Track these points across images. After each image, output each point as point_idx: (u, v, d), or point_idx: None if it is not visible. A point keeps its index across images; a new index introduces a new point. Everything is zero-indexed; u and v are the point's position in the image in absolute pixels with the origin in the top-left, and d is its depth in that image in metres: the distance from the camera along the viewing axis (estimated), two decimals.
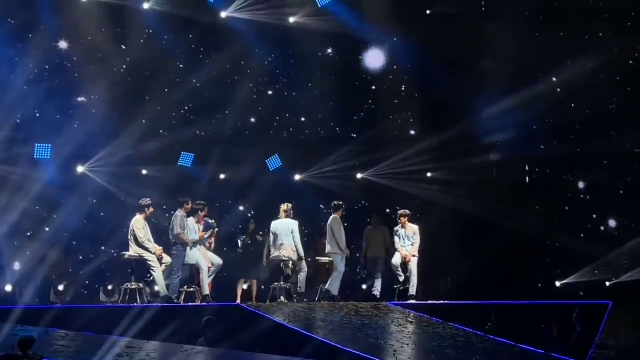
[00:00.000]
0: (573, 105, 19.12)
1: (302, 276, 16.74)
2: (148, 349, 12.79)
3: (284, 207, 16.95)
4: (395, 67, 21.01)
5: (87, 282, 19.51)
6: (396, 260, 17.35)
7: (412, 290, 17.15)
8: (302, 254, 16.75)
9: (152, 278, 16.12)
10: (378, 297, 17.19)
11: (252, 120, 21.23)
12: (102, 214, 19.85)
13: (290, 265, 16.73)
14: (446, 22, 19.69)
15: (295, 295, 16.75)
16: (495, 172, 20.39)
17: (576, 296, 17.72)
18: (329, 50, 21.11)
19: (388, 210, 20.25)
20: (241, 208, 20.59)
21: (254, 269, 17.80)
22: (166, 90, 20.20)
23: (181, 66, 20.25)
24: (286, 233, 16.66)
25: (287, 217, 16.84)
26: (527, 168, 20.24)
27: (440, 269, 19.53)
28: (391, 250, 17.50)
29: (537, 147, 19.66)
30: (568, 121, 19.20)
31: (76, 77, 19.63)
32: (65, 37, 19.38)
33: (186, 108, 20.59)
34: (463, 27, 19.40)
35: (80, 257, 19.71)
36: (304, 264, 16.81)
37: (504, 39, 18.85)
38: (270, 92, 21.18)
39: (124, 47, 19.79)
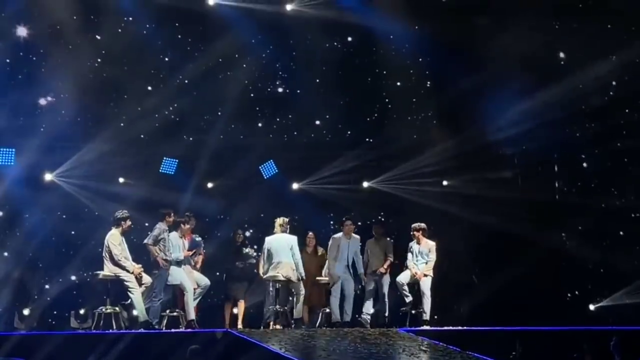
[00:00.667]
0: (613, 107, 19.15)
1: (300, 299, 16.75)
2: None
3: (280, 221, 16.97)
4: (408, 62, 20.96)
5: (56, 306, 19.48)
6: (403, 278, 17.37)
7: (426, 315, 17.17)
8: (303, 274, 16.77)
9: (129, 301, 16.05)
10: (386, 322, 17.22)
11: (244, 121, 21.20)
12: (73, 228, 19.83)
13: (287, 286, 16.74)
14: (465, 14, 19.73)
15: (292, 321, 16.74)
16: (521, 182, 20.39)
17: (613, 321, 17.68)
18: (333, 43, 21.08)
19: (391, 221, 20.25)
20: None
21: (242, 288, 17.71)
22: (147, 87, 20.20)
23: (165, 59, 20.25)
24: (284, 250, 16.67)
25: (283, 231, 16.86)
26: (556, 184, 20.23)
27: (457, 290, 19.48)
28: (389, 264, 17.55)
29: (569, 155, 19.68)
30: (606, 127, 19.22)
31: (42, 71, 19.59)
32: (26, 23, 19.28)
33: (170, 108, 20.55)
34: (485, 19, 19.45)
35: (48, 277, 19.71)
36: (302, 285, 16.82)
37: (534, 34, 18.89)
38: (265, 90, 21.14)
39: (98, 37, 19.76)
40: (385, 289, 17.50)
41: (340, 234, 17.70)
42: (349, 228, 17.64)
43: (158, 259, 16.04)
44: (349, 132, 21.50)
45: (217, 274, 18.12)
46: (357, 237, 17.71)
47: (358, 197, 21.20)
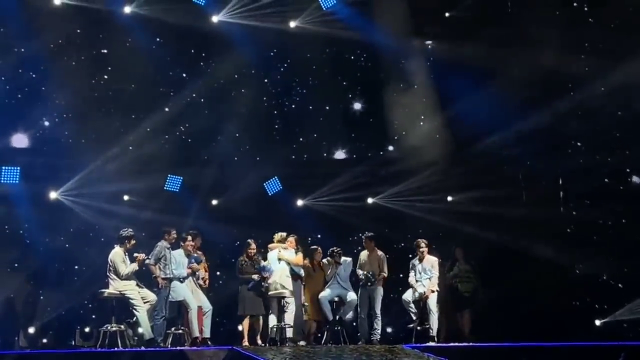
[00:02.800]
0: (618, 116, 19.11)
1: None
2: None
3: (277, 236, 17.19)
4: (411, 76, 20.95)
5: (60, 324, 19.42)
6: (409, 295, 17.36)
7: (433, 331, 17.11)
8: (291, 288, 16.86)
9: (135, 319, 16.01)
10: (378, 340, 17.14)
11: (248, 138, 21.17)
12: (78, 246, 19.79)
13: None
14: (467, 26, 19.72)
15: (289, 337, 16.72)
16: (525, 195, 20.33)
17: (621, 336, 17.58)
18: (336, 59, 21.06)
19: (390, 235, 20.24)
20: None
21: (258, 303, 17.24)
22: (151, 105, 20.18)
23: (170, 77, 20.22)
24: (283, 266, 16.89)
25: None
26: (561, 194, 20.18)
27: (461, 305, 19.41)
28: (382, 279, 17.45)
29: (574, 166, 19.64)
30: (608, 137, 19.17)
31: (47, 90, 19.59)
32: (33, 44, 19.29)
33: (175, 126, 20.54)
34: (487, 31, 19.43)
35: (53, 296, 19.65)
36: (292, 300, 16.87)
37: (533, 43, 18.87)
38: (268, 106, 21.10)
39: (103, 54, 19.77)
40: (378, 303, 17.39)
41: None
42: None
43: (158, 279, 16.02)
44: (353, 149, 21.42)
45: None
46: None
47: (362, 213, 21.12)
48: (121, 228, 16.35)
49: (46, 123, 19.84)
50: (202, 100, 20.59)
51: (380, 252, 17.76)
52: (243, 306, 16.98)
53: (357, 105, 21.46)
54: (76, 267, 19.80)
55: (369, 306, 17.36)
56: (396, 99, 20.98)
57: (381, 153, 21.46)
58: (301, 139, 21.49)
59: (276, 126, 21.37)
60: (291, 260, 17.03)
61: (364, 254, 17.76)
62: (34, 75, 19.46)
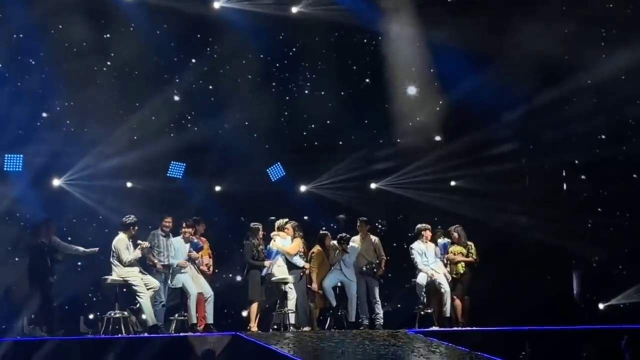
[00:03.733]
0: (616, 102, 19.07)
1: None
2: None
3: (278, 223, 17.14)
4: (413, 62, 20.91)
5: (64, 311, 19.44)
6: (422, 280, 17.32)
7: (448, 311, 17.18)
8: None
9: (138, 305, 16.04)
10: (381, 325, 17.12)
11: (251, 124, 21.16)
12: (81, 233, 19.77)
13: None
14: (470, 12, 19.66)
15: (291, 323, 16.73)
16: (528, 180, 20.32)
17: (623, 320, 17.59)
18: (338, 44, 21.02)
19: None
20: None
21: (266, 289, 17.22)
22: (153, 91, 20.14)
23: (174, 59, 20.18)
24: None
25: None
26: (564, 173, 20.17)
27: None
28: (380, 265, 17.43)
29: (576, 151, 19.61)
30: (609, 122, 19.14)
31: (49, 77, 19.57)
32: (35, 30, 19.23)
33: (176, 111, 20.53)
34: (489, 17, 19.37)
35: (57, 283, 19.64)
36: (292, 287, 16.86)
37: (534, 29, 18.82)
38: (270, 92, 21.07)
39: (103, 44, 19.74)
40: (376, 289, 17.37)
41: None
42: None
43: (157, 265, 16.13)
44: (356, 133, 21.39)
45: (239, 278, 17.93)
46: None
47: (366, 198, 21.12)
48: (124, 215, 16.40)
49: (49, 109, 19.80)
50: (206, 86, 20.53)
51: (374, 237, 17.69)
52: (255, 292, 16.90)
53: (361, 90, 21.37)
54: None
55: (367, 291, 17.33)
56: (399, 84, 20.93)
57: (384, 138, 21.37)
58: (304, 125, 21.42)
59: (279, 112, 21.29)
60: (283, 249, 16.97)
61: (357, 239, 17.56)
62: (33, 62, 19.42)
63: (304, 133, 21.40)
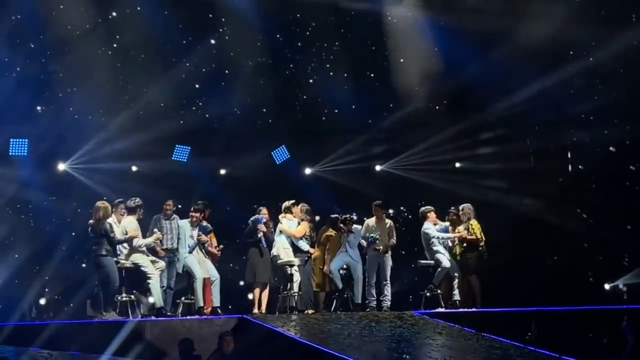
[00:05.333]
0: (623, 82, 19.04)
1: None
2: None
3: (285, 205, 17.18)
4: (420, 42, 20.85)
5: (71, 295, 19.48)
6: (447, 262, 17.26)
7: (457, 294, 17.21)
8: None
9: (149, 285, 16.02)
10: (388, 307, 17.10)
11: (257, 106, 21.13)
12: (88, 217, 19.77)
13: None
14: None
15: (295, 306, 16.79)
16: (533, 161, 20.32)
17: (626, 300, 17.63)
18: (343, 25, 20.95)
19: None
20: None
21: (269, 271, 17.19)
22: (158, 74, 20.12)
23: (182, 42, 20.12)
24: (282, 238, 16.91)
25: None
26: (569, 155, 20.17)
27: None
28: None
29: (582, 130, 19.60)
30: (617, 101, 19.11)
31: (54, 60, 19.54)
32: (39, 12, 19.14)
33: (184, 95, 20.50)
34: None
35: (64, 267, 19.71)
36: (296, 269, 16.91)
37: (540, 8, 18.78)
38: (275, 74, 21.00)
39: (111, 26, 19.71)
40: (388, 271, 17.32)
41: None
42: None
43: (159, 250, 16.23)
44: (361, 115, 21.36)
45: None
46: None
47: (370, 180, 21.12)
48: (129, 198, 16.42)
49: (54, 94, 19.79)
50: (212, 69, 20.48)
51: (388, 221, 17.61)
52: (249, 274, 16.94)
53: (366, 72, 21.31)
54: (86, 239, 19.78)
55: (378, 273, 17.33)
56: (404, 66, 20.89)
57: (389, 120, 21.34)
58: (310, 107, 21.40)
59: (284, 94, 21.25)
60: (289, 231, 16.95)
61: (371, 221, 17.50)
62: (32, 46, 19.39)
63: (309, 116, 21.30)
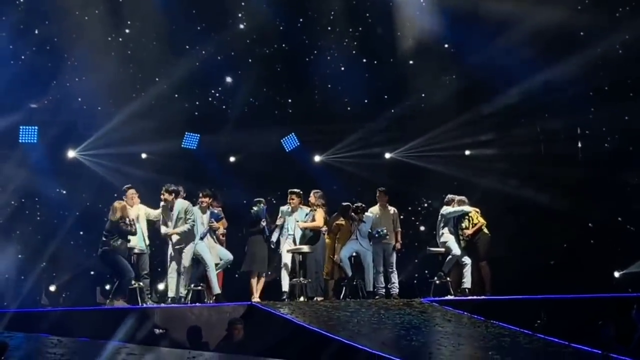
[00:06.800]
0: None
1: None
2: (151, 355, 12.79)
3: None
4: (430, 29, 20.77)
5: (81, 281, 19.55)
6: (457, 249, 17.29)
7: (468, 282, 17.16)
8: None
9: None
10: (397, 294, 17.08)
11: (266, 94, 21.10)
12: (97, 204, 19.85)
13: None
14: None
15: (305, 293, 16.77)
16: (543, 147, 20.29)
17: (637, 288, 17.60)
18: (355, 10, 20.86)
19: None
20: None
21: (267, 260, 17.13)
22: (171, 62, 20.11)
23: (194, 30, 20.08)
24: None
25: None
26: (579, 144, 20.13)
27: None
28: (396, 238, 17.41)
29: (591, 116, 19.56)
30: (629, 87, 19.06)
31: (64, 47, 19.53)
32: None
33: (194, 83, 20.47)
34: None
35: (74, 254, 19.76)
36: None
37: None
38: (283, 59, 20.93)
39: (120, 13, 19.69)
40: (393, 258, 17.33)
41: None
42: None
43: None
44: (370, 103, 21.32)
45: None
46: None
47: (380, 168, 21.10)
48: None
49: (64, 81, 19.79)
50: (221, 57, 20.46)
51: (392, 208, 17.62)
52: (246, 263, 16.79)
53: (373, 60, 21.26)
54: (96, 226, 19.79)
55: (384, 261, 17.32)
56: (413, 53, 20.82)
57: (398, 108, 21.29)
58: (319, 95, 21.37)
59: (295, 82, 21.22)
60: (311, 226, 16.82)
61: (375, 209, 17.50)
62: (37, 32, 19.31)
63: (319, 103, 21.26)
